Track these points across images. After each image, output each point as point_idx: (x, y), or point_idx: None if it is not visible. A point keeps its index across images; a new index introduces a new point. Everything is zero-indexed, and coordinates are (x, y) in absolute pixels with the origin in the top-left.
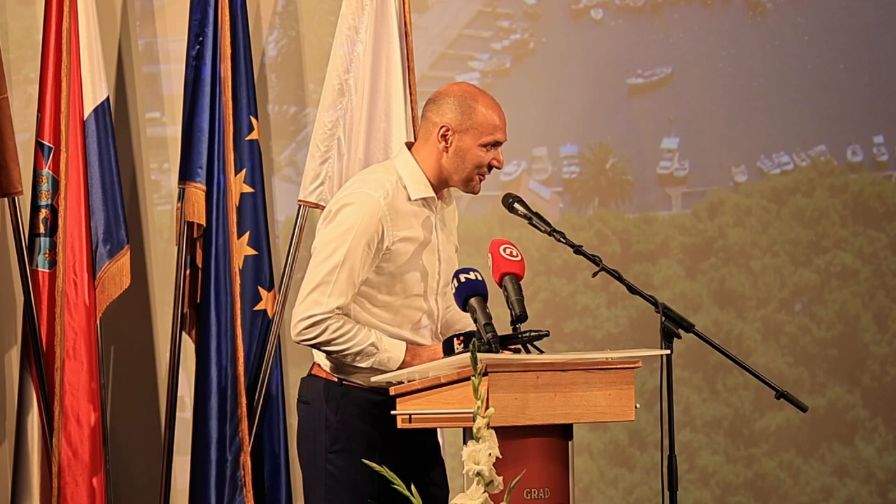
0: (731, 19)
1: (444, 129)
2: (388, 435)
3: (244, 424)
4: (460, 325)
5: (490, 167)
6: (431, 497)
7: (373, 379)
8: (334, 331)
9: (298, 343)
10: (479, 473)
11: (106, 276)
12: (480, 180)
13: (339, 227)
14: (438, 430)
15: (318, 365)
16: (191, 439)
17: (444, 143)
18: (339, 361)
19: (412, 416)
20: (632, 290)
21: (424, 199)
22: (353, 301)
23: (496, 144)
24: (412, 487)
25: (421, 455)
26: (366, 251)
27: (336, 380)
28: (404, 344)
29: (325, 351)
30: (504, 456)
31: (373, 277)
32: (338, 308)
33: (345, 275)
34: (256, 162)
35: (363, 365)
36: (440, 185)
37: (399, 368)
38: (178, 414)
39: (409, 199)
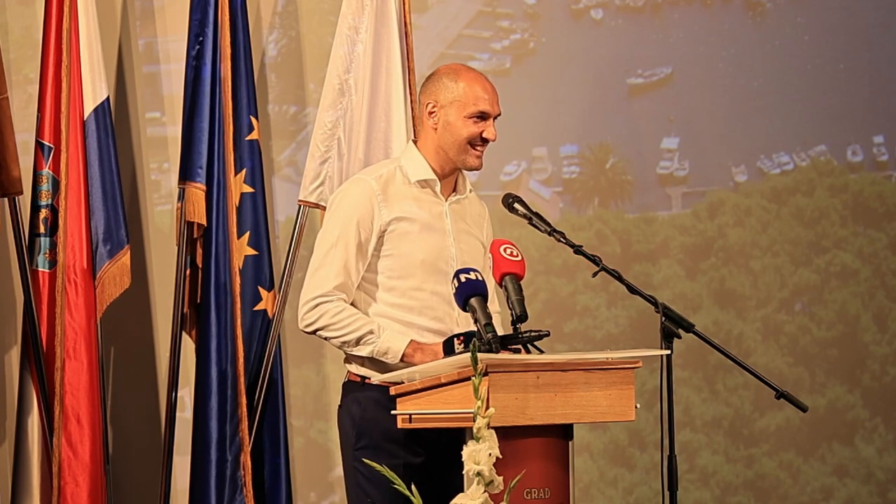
0: (731, 19)
1: (429, 105)
2: (411, 430)
3: (244, 424)
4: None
5: (484, 140)
6: (452, 496)
7: (375, 379)
8: (333, 315)
9: (304, 331)
10: (479, 473)
11: (106, 276)
12: (477, 155)
13: (332, 213)
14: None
15: (349, 370)
16: (191, 439)
17: (432, 119)
18: (354, 357)
19: (412, 416)
20: (632, 290)
21: (425, 181)
22: (363, 290)
23: (482, 116)
24: (412, 487)
25: (449, 452)
26: (358, 230)
27: (359, 379)
28: (408, 338)
29: (326, 339)
30: (504, 456)
31: (379, 262)
32: (336, 288)
33: (340, 254)
34: (256, 162)
35: (362, 353)
36: (444, 169)
37: (401, 362)
38: (178, 414)
39: (409, 182)
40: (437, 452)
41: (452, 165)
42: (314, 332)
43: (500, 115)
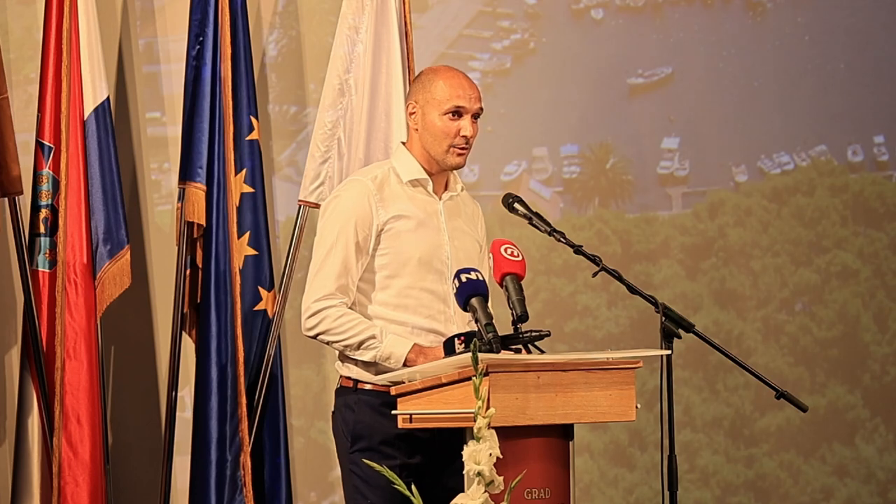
0: (731, 19)
1: (411, 105)
2: (407, 432)
3: (244, 424)
4: None
5: (464, 138)
6: (451, 495)
7: (367, 383)
8: (334, 319)
9: (306, 335)
10: (479, 473)
11: (106, 276)
12: (458, 154)
13: (330, 216)
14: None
15: (341, 375)
16: (191, 439)
17: (413, 120)
18: (347, 357)
19: (413, 416)
20: (632, 290)
21: (417, 180)
22: (359, 290)
23: (459, 112)
24: (412, 488)
25: (446, 453)
26: (356, 230)
27: (351, 384)
28: (410, 343)
29: (327, 343)
30: (504, 456)
31: (375, 261)
32: (337, 290)
33: (339, 256)
34: (256, 162)
35: (364, 358)
36: (433, 168)
37: (404, 367)
38: (178, 414)
39: (402, 182)
40: (434, 454)
41: (438, 166)
42: (315, 337)
43: (481, 111)
